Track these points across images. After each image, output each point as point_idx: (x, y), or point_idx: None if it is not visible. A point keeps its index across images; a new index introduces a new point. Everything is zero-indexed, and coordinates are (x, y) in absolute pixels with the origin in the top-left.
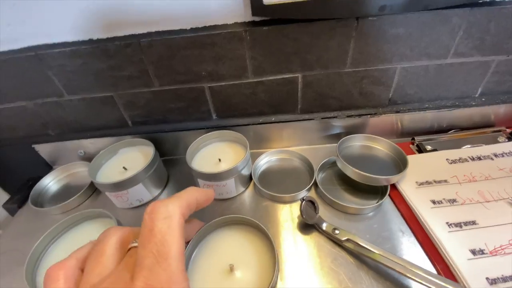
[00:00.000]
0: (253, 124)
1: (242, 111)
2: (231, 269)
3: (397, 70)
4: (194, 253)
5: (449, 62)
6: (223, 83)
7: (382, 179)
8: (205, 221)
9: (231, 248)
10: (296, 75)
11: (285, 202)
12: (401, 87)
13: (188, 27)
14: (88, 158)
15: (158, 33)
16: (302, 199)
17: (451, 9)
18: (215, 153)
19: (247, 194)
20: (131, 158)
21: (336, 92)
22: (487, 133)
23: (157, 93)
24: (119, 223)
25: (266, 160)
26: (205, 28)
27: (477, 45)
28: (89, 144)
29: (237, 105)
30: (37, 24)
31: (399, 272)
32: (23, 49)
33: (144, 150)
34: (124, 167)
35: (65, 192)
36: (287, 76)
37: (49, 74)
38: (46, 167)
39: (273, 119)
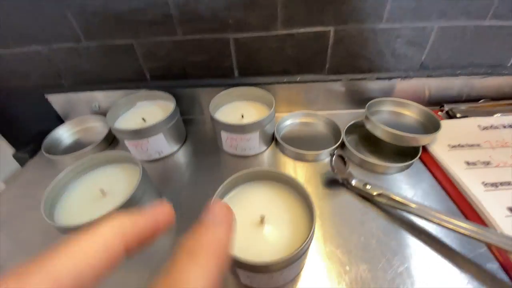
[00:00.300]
0: (277, 83)
1: (266, 69)
2: (262, 221)
3: (434, 30)
4: (225, 199)
5: (487, 25)
6: (250, 35)
7: (416, 138)
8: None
9: (261, 201)
10: (328, 28)
11: (309, 161)
12: (435, 49)
13: None
14: (102, 112)
15: None
16: (333, 153)
17: None
18: (237, 110)
19: (270, 153)
20: (149, 111)
21: (368, 52)
22: None
23: (179, 43)
24: (143, 167)
25: (289, 122)
26: None
27: None
28: (104, 97)
29: (261, 61)
30: None
31: (436, 223)
32: None
33: (163, 104)
34: (143, 118)
35: (78, 146)
36: (318, 29)
37: (68, 15)
38: (58, 121)
39: (298, 78)
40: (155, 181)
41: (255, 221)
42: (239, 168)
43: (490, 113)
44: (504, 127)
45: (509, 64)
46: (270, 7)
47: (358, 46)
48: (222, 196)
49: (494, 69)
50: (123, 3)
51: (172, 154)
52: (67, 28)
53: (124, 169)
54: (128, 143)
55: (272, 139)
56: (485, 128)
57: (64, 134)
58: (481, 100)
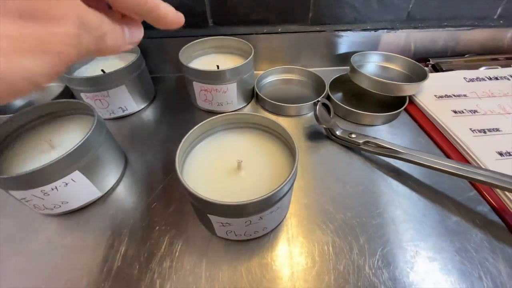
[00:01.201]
0: (255, 34)
1: (244, 17)
2: (239, 166)
3: None
4: (196, 148)
5: None
6: None
7: (401, 87)
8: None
9: (239, 147)
10: None
11: (292, 116)
12: None
13: None
14: None
15: None
16: (317, 101)
17: None
18: (212, 62)
19: (249, 110)
20: (111, 64)
21: None
22: (500, 60)
23: None
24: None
25: (270, 79)
26: None
27: None
28: None
29: (239, 8)
30: None
31: (424, 165)
32: None
33: (127, 57)
34: (102, 70)
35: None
36: None
37: None
38: None
39: (279, 29)
40: (119, 140)
41: (232, 167)
42: None
43: (476, 67)
44: (490, 79)
45: (495, 17)
46: None
47: None
48: (196, 143)
49: (481, 21)
50: None
51: (139, 112)
52: None
53: (78, 121)
54: (85, 96)
55: (252, 96)
56: (471, 80)
57: None
58: (466, 55)
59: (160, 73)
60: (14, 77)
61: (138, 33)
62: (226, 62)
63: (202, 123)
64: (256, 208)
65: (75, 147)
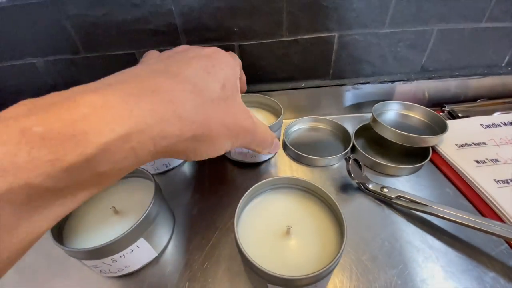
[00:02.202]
0: (282, 90)
1: (271, 76)
2: (288, 231)
3: (433, 33)
4: (244, 210)
5: (483, 27)
6: (255, 42)
7: (425, 139)
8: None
9: (286, 211)
10: (333, 34)
11: (321, 166)
12: (435, 52)
13: None
14: None
15: None
16: (348, 158)
17: None
18: None
19: (279, 159)
20: None
21: (371, 56)
22: (510, 103)
23: None
24: (157, 183)
25: (296, 128)
26: None
27: (510, 9)
28: None
29: (266, 68)
30: None
31: (458, 223)
32: None
33: None
34: None
35: None
36: (323, 35)
37: (67, 26)
38: None
39: (303, 84)
40: (166, 195)
41: (281, 231)
42: (249, 176)
43: (489, 112)
44: (505, 124)
45: (503, 64)
46: (276, 14)
47: (362, 50)
48: (245, 206)
49: (490, 69)
50: (125, 13)
51: (180, 165)
52: (65, 40)
53: (135, 184)
54: None
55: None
56: (488, 126)
57: None
58: (479, 100)
59: None
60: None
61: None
62: (258, 116)
63: (253, 187)
64: (308, 281)
65: (142, 217)
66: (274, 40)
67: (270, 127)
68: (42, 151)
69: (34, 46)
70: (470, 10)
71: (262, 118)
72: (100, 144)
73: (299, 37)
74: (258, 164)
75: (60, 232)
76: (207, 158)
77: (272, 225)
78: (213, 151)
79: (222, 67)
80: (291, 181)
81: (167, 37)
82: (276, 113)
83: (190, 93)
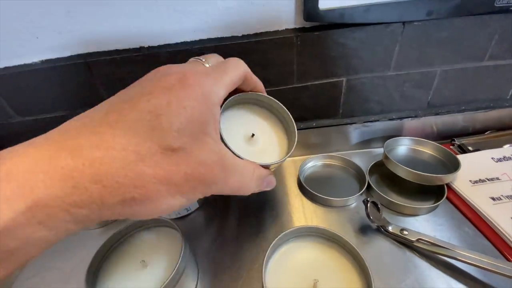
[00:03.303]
0: None
1: None
2: (315, 286)
3: (437, 73)
4: (269, 263)
5: (485, 65)
6: (268, 89)
7: (440, 178)
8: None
9: (311, 262)
10: (341, 79)
11: (337, 207)
12: (440, 90)
13: (240, 34)
14: None
15: (210, 40)
16: (366, 200)
17: (489, 14)
18: (247, 125)
19: (294, 198)
20: None
21: (378, 96)
22: None
23: None
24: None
25: (310, 165)
26: (256, 34)
27: (510, 48)
28: None
29: None
30: (88, 32)
31: (482, 268)
32: (72, 57)
33: None
34: None
35: None
36: (331, 80)
37: (96, 83)
38: None
39: (314, 124)
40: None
41: (308, 285)
42: (266, 219)
43: (499, 144)
44: None
45: (508, 97)
46: (288, 65)
47: (369, 92)
48: (270, 257)
49: (496, 102)
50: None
51: (199, 208)
52: (94, 95)
53: (160, 233)
54: None
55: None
56: (499, 160)
57: None
58: (487, 132)
59: None
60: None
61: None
62: (265, 128)
63: (278, 237)
64: None
65: (173, 272)
66: (286, 87)
67: (274, 164)
68: None
69: (65, 101)
70: (472, 51)
71: (273, 134)
72: (1, 222)
73: (309, 83)
74: (274, 205)
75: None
76: (156, 217)
77: (298, 278)
78: (158, 212)
79: (183, 105)
80: (317, 231)
81: None
82: (289, 135)
83: (121, 149)
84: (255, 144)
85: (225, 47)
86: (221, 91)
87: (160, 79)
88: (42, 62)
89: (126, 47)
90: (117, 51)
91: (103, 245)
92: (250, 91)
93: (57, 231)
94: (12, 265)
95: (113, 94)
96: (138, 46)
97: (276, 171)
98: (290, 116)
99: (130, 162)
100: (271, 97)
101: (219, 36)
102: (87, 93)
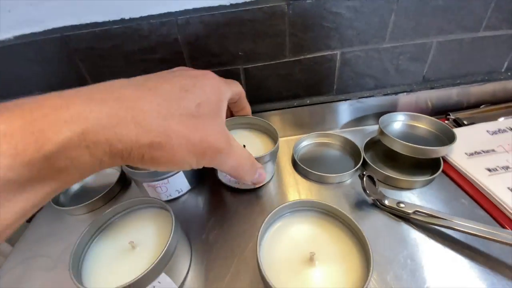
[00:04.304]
0: (288, 108)
1: (276, 95)
2: (312, 258)
3: (433, 45)
4: (265, 237)
5: (481, 36)
6: (259, 64)
7: (436, 150)
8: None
9: (308, 236)
10: (335, 52)
11: (332, 183)
12: (436, 62)
13: (228, 3)
14: None
15: (195, 10)
16: (362, 174)
17: None
18: (240, 140)
19: (288, 178)
20: None
21: (373, 70)
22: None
23: None
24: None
25: (305, 143)
26: (245, 3)
27: (506, 17)
28: None
29: (271, 88)
30: (63, 4)
31: (479, 236)
32: (47, 31)
33: None
34: None
35: (88, 192)
36: (325, 53)
37: (75, 59)
38: None
39: (308, 101)
40: (180, 221)
41: (304, 258)
42: (261, 198)
43: (494, 117)
44: (511, 129)
45: (503, 70)
46: (279, 37)
47: (364, 66)
48: (265, 232)
49: (490, 76)
50: (132, 44)
51: (191, 190)
52: (73, 73)
53: (149, 214)
54: (147, 185)
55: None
56: (494, 132)
57: None
58: (482, 106)
59: None
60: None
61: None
62: (254, 141)
63: (272, 212)
64: None
65: (163, 252)
66: (278, 61)
67: (259, 158)
68: (3, 146)
69: (44, 80)
70: (468, 21)
71: (260, 144)
72: (57, 141)
73: (302, 57)
74: (268, 185)
75: (79, 271)
76: (168, 170)
77: (294, 252)
78: (173, 163)
79: (204, 89)
80: (312, 204)
81: (174, 64)
82: (274, 137)
83: (156, 105)
84: None
85: (211, 17)
86: (229, 93)
87: (188, 71)
88: (16, 37)
89: (106, 19)
90: (95, 24)
91: (90, 226)
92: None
93: (95, 160)
94: (54, 186)
95: (95, 71)
96: (118, 18)
97: None
98: (272, 125)
99: (162, 115)
100: (258, 118)
101: (205, 6)
102: (66, 71)
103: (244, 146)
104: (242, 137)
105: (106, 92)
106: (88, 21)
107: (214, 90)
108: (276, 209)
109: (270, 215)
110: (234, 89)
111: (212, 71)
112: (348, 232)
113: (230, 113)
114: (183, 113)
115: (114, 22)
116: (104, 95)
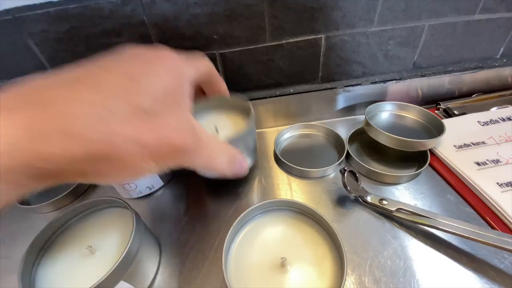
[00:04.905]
0: (269, 97)
1: (257, 83)
2: (283, 264)
3: (425, 28)
4: (236, 241)
5: (476, 19)
6: (237, 49)
7: (423, 143)
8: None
9: (280, 238)
10: (320, 36)
11: (315, 178)
12: (427, 48)
13: None
14: None
15: None
16: (343, 170)
17: None
18: (211, 124)
19: (270, 171)
20: None
21: (361, 56)
22: (506, 96)
23: None
24: (137, 214)
25: (287, 136)
26: None
27: None
28: None
29: (251, 75)
30: None
31: (464, 237)
32: None
33: None
34: None
35: (53, 188)
36: (309, 37)
37: (30, 44)
38: None
39: (291, 90)
40: (149, 222)
41: (275, 263)
42: (239, 193)
43: (486, 107)
44: (503, 120)
45: (498, 56)
46: (257, 18)
47: (351, 51)
48: (234, 235)
49: (484, 62)
50: (92, 26)
51: (164, 186)
52: (30, 59)
53: (110, 215)
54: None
55: (255, 153)
56: (485, 123)
57: None
58: (474, 95)
59: None
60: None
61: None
62: (230, 124)
63: (242, 215)
64: None
65: (121, 258)
66: (257, 45)
67: (232, 142)
68: None
69: None
70: (462, 3)
71: (237, 126)
72: None
73: (283, 41)
74: (248, 179)
75: (32, 279)
76: (124, 180)
77: (265, 256)
78: (127, 173)
79: (159, 76)
80: (284, 204)
81: None
82: (247, 115)
83: (93, 106)
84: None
85: None
86: (192, 73)
87: (137, 53)
88: None
89: None
90: (50, 3)
91: (42, 232)
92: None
93: (17, 188)
94: None
95: (54, 56)
96: None
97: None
98: (246, 102)
99: (102, 118)
100: (234, 97)
101: None
102: (22, 57)
103: (218, 131)
104: (216, 121)
105: (23, 97)
106: (42, 1)
107: (173, 74)
108: (246, 211)
109: (238, 218)
110: (199, 68)
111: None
112: (323, 233)
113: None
114: (132, 111)
115: (70, 1)
116: (21, 102)
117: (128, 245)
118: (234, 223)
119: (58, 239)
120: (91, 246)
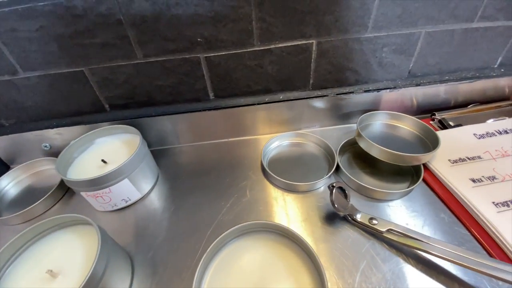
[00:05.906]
0: (258, 104)
1: (245, 89)
2: None
3: (421, 36)
4: (211, 266)
5: (475, 27)
6: (223, 53)
7: (416, 157)
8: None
9: (258, 261)
10: (311, 41)
11: (303, 192)
12: (423, 56)
13: None
14: (55, 153)
15: None
16: (332, 186)
17: None
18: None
19: (257, 184)
20: (111, 149)
21: (354, 63)
22: (503, 107)
23: (140, 66)
24: (102, 231)
25: (275, 145)
26: None
27: (504, 7)
28: (55, 135)
29: (239, 81)
30: None
31: (456, 263)
32: None
33: (127, 139)
34: (103, 160)
35: (28, 197)
36: (299, 42)
37: None
38: (2, 167)
39: (281, 97)
40: (122, 238)
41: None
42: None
43: (482, 119)
44: (500, 133)
45: (496, 66)
46: (244, 21)
47: (343, 58)
48: (209, 261)
49: (482, 72)
50: (65, 25)
51: (143, 198)
52: None
53: (78, 234)
54: (85, 194)
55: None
56: (481, 136)
57: (8, 184)
58: (470, 105)
59: (160, 145)
60: None
61: None
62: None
63: (217, 239)
64: None
65: (83, 283)
66: (245, 50)
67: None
68: None
69: None
70: (461, 10)
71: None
72: None
73: (272, 46)
74: (232, 191)
75: None
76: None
77: (243, 281)
78: None
79: None
80: (263, 226)
81: (120, 50)
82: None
83: None
84: None
85: None
86: None
87: None
88: None
89: None
90: (18, 0)
91: (1, 253)
92: None
93: None
94: None
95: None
96: None
97: (237, 150)
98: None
99: None
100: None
101: None
102: None
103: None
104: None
105: None
106: None
107: None
108: (219, 237)
109: (214, 243)
110: None
111: (168, 60)
112: (305, 258)
113: None
114: None
115: None
116: None
117: (93, 267)
118: (208, 250)
119: (16, 263)
120: (51, 270)
